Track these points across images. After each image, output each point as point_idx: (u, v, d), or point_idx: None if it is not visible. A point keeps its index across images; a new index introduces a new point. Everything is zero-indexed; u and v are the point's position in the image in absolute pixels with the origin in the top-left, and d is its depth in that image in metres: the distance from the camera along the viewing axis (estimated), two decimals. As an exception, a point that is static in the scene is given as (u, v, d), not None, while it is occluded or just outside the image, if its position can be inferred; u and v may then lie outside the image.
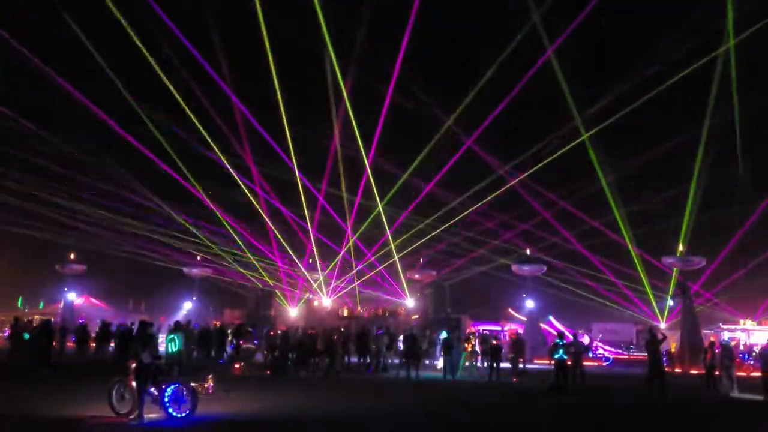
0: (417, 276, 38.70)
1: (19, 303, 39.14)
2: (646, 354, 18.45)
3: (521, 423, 12.32)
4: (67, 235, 35.34)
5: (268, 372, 20.25)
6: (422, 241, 37.05)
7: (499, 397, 16.26)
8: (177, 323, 18.61)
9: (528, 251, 34.61)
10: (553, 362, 17.94)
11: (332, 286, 40.32)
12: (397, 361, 22.22)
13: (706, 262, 31.32)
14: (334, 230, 38.20)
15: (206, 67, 27.07)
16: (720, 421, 13.48)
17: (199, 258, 39.45)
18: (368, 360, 23.01)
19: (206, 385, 13.61)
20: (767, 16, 21.41)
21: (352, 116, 30.35)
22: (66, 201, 33.46)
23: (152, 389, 10.85)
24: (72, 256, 35.24)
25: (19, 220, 33.47)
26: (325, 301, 39.63)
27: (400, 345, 22.28)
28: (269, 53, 26.65)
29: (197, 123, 29.14)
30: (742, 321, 37.30)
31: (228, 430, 10.55)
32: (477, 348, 21.82)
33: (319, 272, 39.22)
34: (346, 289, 39.36)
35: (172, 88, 26.34)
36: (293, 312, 39.32)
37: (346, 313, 38.10)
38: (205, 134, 29.99)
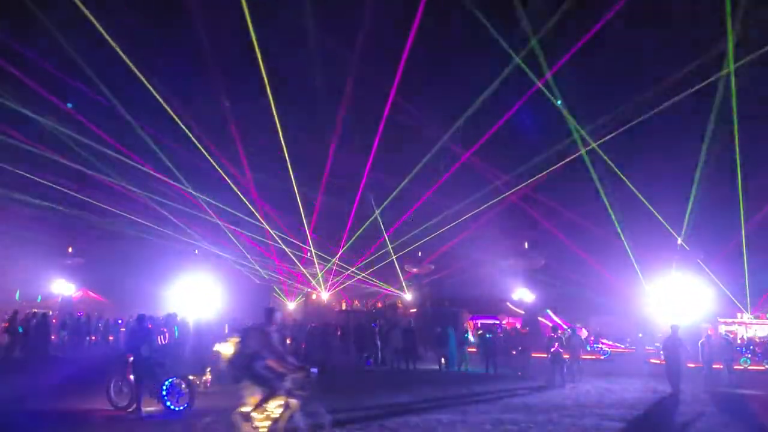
0: (415, 269, 38.75)
1: (17, 296, 39.07)
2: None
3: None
4: (66, 227, 35.22)
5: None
6: (422, 240, 37.02)
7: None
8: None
9: (526, 244, 34.65)
10: (548, 356, 17.92)
11: (330, 280, 40.33)
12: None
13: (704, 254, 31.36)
14: (332, 228, 38.11)
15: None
16: (719, 417, 13.48)
17: (197, 252, 39.33)
18: (366, 353, 23.02)
19: (204, 379, 13.62)
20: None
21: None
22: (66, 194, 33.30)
23: (150, 383, 10.86)
24: (70, 249, 35.16)
25: (17, 213, 33.31)
26: (323, 295, 39.65)
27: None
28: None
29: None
30: (739, 314, 37.34)
31: (226, 423, 10.53)
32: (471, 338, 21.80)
33: (317, 267, 39.20)
34: (345, 284, 39.37)
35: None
36: (291, 306, 39.35)
37: (343, 306, 38.14)
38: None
